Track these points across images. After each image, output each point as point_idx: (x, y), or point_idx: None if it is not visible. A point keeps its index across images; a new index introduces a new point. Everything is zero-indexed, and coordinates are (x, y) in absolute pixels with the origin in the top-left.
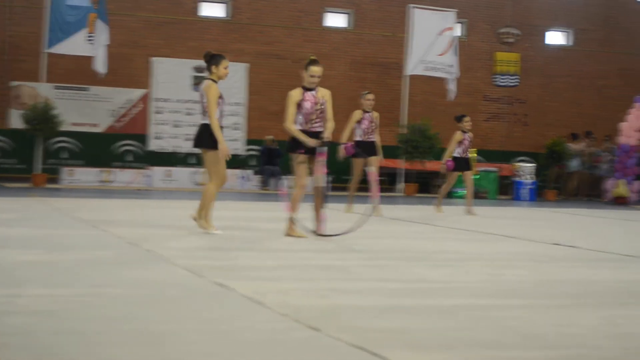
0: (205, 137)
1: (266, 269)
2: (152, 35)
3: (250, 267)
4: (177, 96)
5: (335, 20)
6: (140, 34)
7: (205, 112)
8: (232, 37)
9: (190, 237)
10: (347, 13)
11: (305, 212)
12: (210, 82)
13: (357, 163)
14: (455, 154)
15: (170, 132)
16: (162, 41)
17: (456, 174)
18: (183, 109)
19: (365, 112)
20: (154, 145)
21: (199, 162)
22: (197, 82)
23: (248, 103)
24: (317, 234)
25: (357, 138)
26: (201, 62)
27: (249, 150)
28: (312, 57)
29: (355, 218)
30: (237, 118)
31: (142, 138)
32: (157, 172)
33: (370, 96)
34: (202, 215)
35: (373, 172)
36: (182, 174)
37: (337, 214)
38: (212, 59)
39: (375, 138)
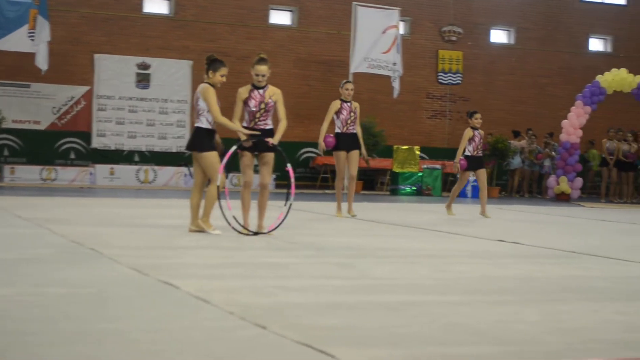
0: (199, 140)
1: (212, 267)
2: (94, 32)
3: (196, 265)
4: (120, 93)
5: (280, 17)
6: (82, 30)
7: (199, 114)
8: (176, 34)
9: (134, 235)
10: (291, 11)
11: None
12: (206, 85)
13: (340, 157)
14: (467, 152)
15: (113, 130)
16: (104, 38)
17: (468, 173)
18: (126, 106)
19: (343, 102)
20: (97, 142)
21: (142, 159)
22: (141, 79)
23: (192, 100)
24: (258, 232)
25: (337, 130)
26: (144, 59)
27: None
28: (261, 56)
29: (344, 220)
30: (182, 115)
31: (85, 135)
32: (101, 169)
33: (350, 85)
34: (204, 216)
35: (290, 168)
36: (125, 172)
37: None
38: (212, 64)
39: (357, 130)
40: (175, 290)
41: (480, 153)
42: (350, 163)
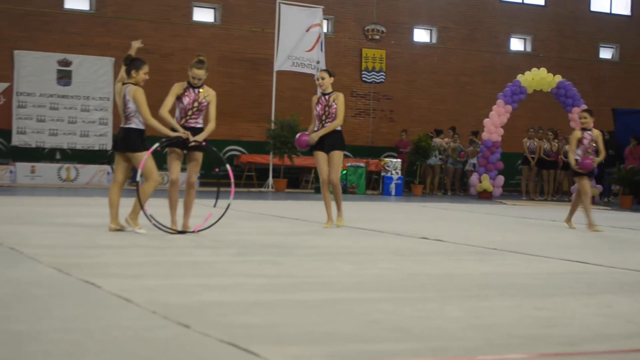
0: (132, 141)
1: (134, 266)
2: (14, 27)
3: (118, 264)
4: (41, 90)
5: (203, 15)
6: (1, 26)
7: (129, 116)
8: (97, 30)
9: (56, 234)
10: (214, 8)
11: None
12: (134, 86)
13: (318, 158)
14: (576, 156)
15: (34, 127)
16: (24, 34)
17: (585, 178)
18: (47, 104)
19: (322, 94)
20: (17, 140)
21: (64, 157)
22: (62, 76)
23: (114, 98)
24: (183, 231)
25: (314, 127)
26: (66, 56)
27: None
28: (200, 58)
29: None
30: (104, 113)
31: (4, 133)
32: (21, 168)
33: (323, 74)
34: (133, 213)
35: (229, 169)
36: (46, 170)
37: (204, 209)
38: (132, 64)
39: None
40: (97, 289)
41: (590, 157)
42: (330, 166)
